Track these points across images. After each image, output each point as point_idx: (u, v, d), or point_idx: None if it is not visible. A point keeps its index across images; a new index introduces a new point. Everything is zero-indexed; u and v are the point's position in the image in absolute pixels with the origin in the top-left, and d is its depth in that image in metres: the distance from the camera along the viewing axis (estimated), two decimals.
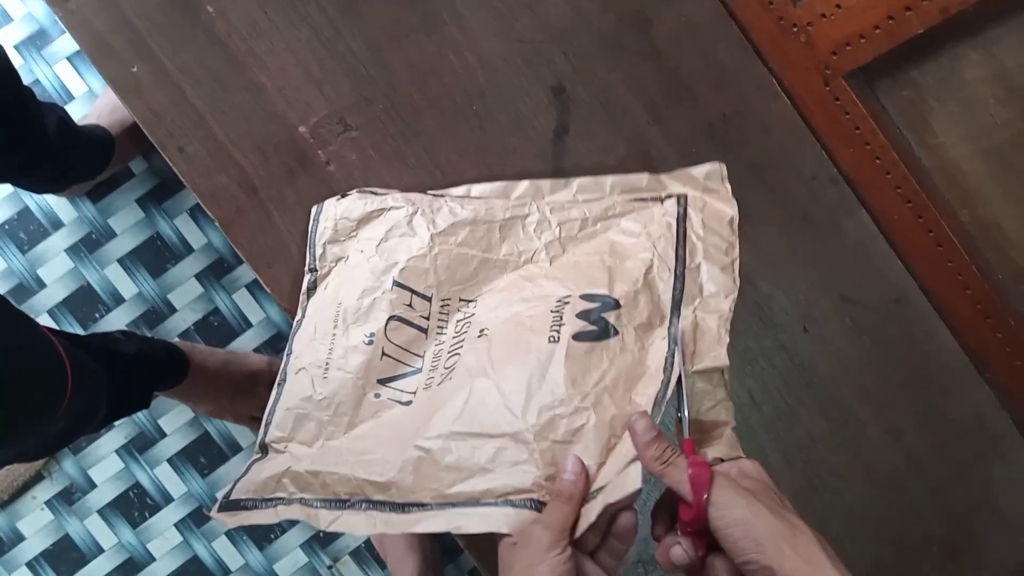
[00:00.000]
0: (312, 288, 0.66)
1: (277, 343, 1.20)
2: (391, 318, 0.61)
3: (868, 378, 0.77)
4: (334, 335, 0.62)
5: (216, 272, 1.17)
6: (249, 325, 1.19)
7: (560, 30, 0.70)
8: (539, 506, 0.49)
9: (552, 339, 0.55)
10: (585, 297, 0.58)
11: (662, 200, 0.67)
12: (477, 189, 0.68)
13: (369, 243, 0.64)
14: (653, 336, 0.56)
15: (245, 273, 1.17)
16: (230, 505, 0.57)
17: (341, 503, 0.54)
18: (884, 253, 0.77)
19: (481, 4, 0.69)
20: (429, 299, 0.63)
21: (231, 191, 0.67)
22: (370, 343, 0.61)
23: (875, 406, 0.77)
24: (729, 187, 0.68)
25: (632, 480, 0.47)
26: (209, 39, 0.66)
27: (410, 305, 0.62)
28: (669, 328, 0.57)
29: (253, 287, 1.18)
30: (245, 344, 1.19)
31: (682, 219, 0.65)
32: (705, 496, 0.44)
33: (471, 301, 0.63)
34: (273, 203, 0.68)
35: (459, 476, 0.51)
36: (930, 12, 0.60)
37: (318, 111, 0.68)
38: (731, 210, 0.66)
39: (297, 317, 0.65)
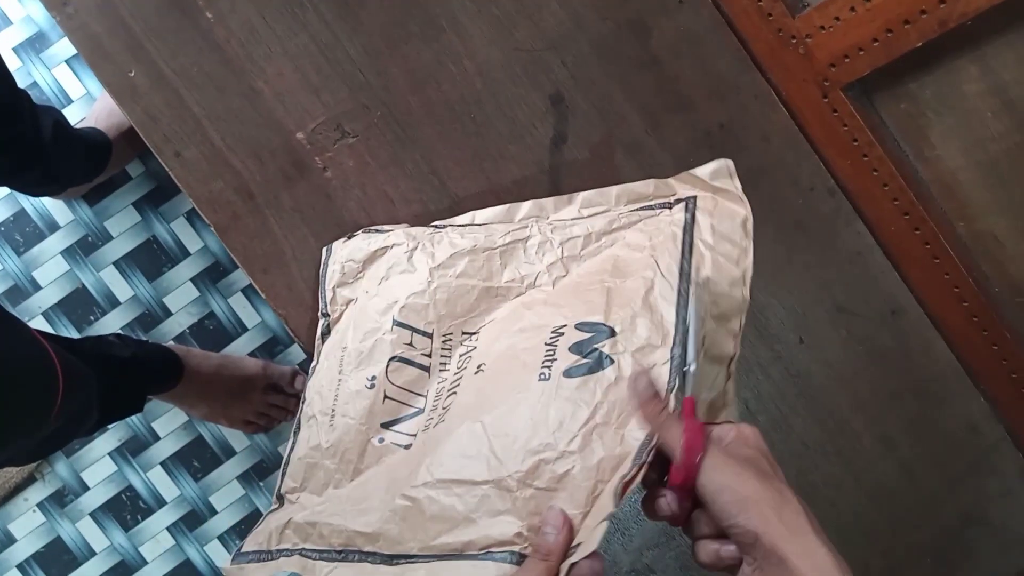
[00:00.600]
0: (326, 333, 0.65)
1: (272, 347, 1.19)
2: (392, 359, 0.60)
3: (862, 388, 0.77)
4: (339, 380, 0.61)
5: (212, 276, 1.17)
6: (245, 329, 1.19)
7: (558, 38, 0.70)
8: (520, 559, 0.47)
9: (543, 377, 0.53)
10: (580, 327, 0.55)
11: (671, 206, 0.62)
12: (482, 215, 0.66)
13: (373, 283, 0.64)
14: (653, 358, 0.52)
15: (241, 277, 1.17)
16: (240, 557, 0.57)
17: (337, 554, 0.53)
18: (880, 264, 0.78)
19: (480, 12, 0.69)
20: (430, 336, 0.61)
21: (227, 196, 0.67)
22: (372, 387, 0.60)
23: (868, 416, 0.77)
24: (739, 184, 0.61)
25: (593, 541, 0.44)
26: (207, 44, 0.66)
27: (411, 344, 0.61)
28: (675, 338, 0.53)
29: (249, 291, 1.18)
30: (240, 348, 1.19)
31: (689, 227, 0.59)
32: (697, 459, 0.44)
33: (473, 334, 0.61)
34: (270, 209, 0.67)
35: (444, 527, 0.50)
36: (929, 25, 0.60)
37: (316, 117, 0.67)
38: (743, 210, 0.60)
39: (313, 363, 0.65)
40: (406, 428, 0.60)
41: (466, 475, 0.50)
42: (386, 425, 0.60)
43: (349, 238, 0.67)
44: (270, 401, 1.14)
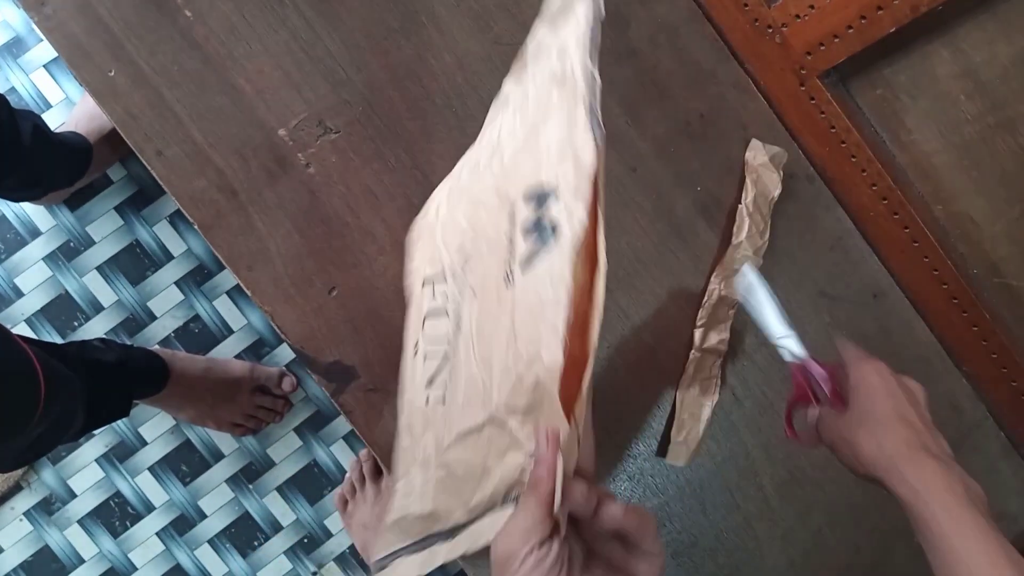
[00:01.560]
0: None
1: (259, 349, 1.19)
2: (425, 318, 0.59)
3: None
4: (405, 363, 0.61)
5: (196, 279, 1.17)
6: (230, 332, 1.18)
7: None
8: None
9: (508, 280, 0.47)
10: (528, 198, 0.47)
11: None
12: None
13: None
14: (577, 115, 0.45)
15: (226, 279, 1.17)
16: (375, 565, 0.54)
17: (415, 545, 0.51)
18: (860, 249, 0.79)
19: (459, 6, 0.69)
20: (444, 279, 0.58)
21: (210, 194, 0.67)
22: (416, 353, 0.59)
23: None
24: (782, 173, 0.74)
25: (584, 427, 0.40)
26: (187, 42, 0.66)
27: (434, 296, 0.59)
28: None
29: (234, 293, 1.17)
30: (227, 351, 1.18)
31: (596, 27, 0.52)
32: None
33: (468, 260, 0.56)
34: (253, 206, 0.67)
35: (473, 484, 0.46)
36: (901, 11, 0.61)
37: (297, 113, 0.68)
38: (775, 190, 0.73)
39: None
40: (441, 380, 0.56)
41: (470, 422, 0.47)
42: (428, 383, 0.57)
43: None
44: (258, 403, 1.14)
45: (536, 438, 0.41)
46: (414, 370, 0.59)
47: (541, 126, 0.50)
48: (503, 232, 0.49)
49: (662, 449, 0.73)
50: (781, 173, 0.75)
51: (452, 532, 0.48)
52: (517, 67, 0.58)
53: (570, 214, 0.44)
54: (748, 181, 0.75)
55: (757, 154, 0.75)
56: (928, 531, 0.47)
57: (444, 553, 0.47)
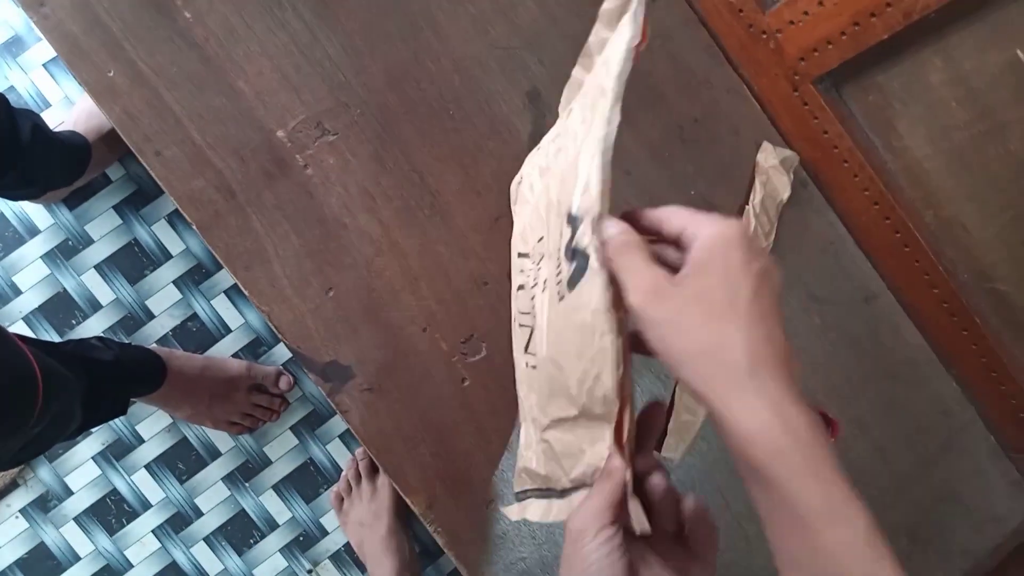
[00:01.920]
0: None
1: (256, 348, 1.20)
2: (518, 289, 0.60)
3: (835, 373, 0.79)
4: (513, 320, 0.63)
5: (194, 278, 1.17)
6: (228, 331, 1.19)
7: (534, 35, 0.72)
8: None
9: (560, 297, 0.47)
10: (569, 218, 0.46)
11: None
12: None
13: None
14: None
15: (224, 278, 1.17)
16: (513, 498, 0.58)
17: (538, 492, 0.54)
18: (852, 253, 0.79)
19: (456, 10, 0.70)
20: (529, 257, 0.59)
21: (208, 194, 0.67)
22: (513, 319, 0.61)
23: (843, 401, 0.78)
24: (792, 176, 0.76)
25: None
26: (186, 43, 0.66)
27: (523, 270, 0.60)
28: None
29: (232, 292, 1.18)
30: (224, 349, 1.19)
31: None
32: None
33: (544, 255, 0.56)
34: (251, 207, 0.68)
35: (572, 460, 0.49)
36: (894, 18, 0.61)
37: (296, 115, 0.68)
38: (784, 193, 0.75)
39: None
40: (532, 349, 0.57)
41: (561, 413, 0.49)
42: (524, 350, 0.59)
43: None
44: (254, 402, 1.14)
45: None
46: (515, 334, 0.61)
47: (583, 142, 0.48)
48: (557, 244, 0.48)
49: (658, 443, 0.73)
50: (791, 176, 0.77)
51: (562, 493, 0.51)
52: (584, 55, 0.57)
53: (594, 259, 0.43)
54: (757, 183, 0.76)
55: (768, 156, 0.76)
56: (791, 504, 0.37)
57: (556, 511, 0.51)
